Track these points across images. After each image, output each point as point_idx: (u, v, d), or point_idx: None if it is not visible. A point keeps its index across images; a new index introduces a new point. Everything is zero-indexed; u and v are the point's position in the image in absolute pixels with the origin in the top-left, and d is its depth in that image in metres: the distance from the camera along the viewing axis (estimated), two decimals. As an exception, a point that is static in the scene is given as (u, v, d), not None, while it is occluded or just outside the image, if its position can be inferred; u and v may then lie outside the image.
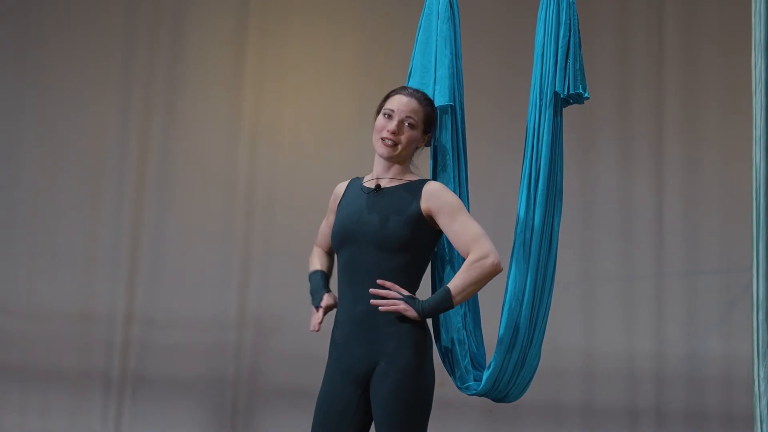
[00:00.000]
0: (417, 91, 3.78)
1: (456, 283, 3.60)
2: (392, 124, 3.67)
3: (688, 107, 6.56)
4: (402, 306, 3.57)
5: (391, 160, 3.71)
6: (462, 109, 3.95)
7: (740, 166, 6.28)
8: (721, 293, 6.38)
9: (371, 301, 3.57)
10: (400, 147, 3.68)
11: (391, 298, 3.59)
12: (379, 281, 3.58)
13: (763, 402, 3.64)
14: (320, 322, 3.69)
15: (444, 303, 3.60)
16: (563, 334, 5.88)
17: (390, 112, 3.69)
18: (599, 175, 6.41)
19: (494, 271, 3.61)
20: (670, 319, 6.39)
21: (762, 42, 3.72)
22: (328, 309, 3.73)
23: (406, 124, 3.68)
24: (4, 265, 6.40)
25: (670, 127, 6.55)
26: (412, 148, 3.74)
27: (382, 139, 3.67)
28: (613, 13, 6.52)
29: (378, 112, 3.71)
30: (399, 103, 3.70)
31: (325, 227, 3.91)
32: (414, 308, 3.57)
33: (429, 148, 3.92)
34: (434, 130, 3.83)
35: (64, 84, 6.53)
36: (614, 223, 6.43)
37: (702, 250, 6.44)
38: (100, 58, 6.53)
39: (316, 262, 3.89)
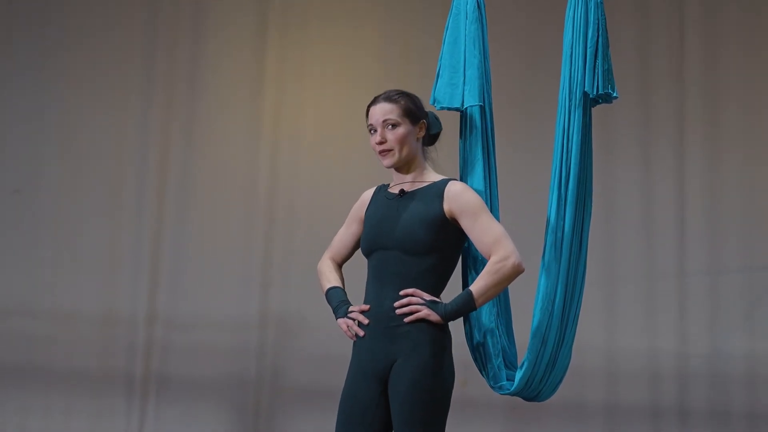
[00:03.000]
0: (388, 91, 3.79)
1: (478, 285, 3.60)
2: (377, 136, 3.67)
3: (710, 106, 6.52)
4: (425, 311, 3.57)
5: (399, 165, 3.72)
6: (491, 110, 3.93)
7: (762, 164, 6.35)
8: (744, 292, 6.35)
9: (397, 311, 3.57)
10: (395, 150, 3.68)
11: (413, 304, 3.58)
12: (402, 292, 3.58)
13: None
14: (359, 324, 3.66)
15: (466, 306, 3.61)
16: (586, 334, 5.75)
17: (371, 128, 3.71)
18: (620, 175, 6.38)
19: (515, 272, 3.60)
20: (692, 318, 6.35)
21: None
22: (362, 311, 3.66)
23: (388, 127, 3.68)
24: (28, 267, 6.41)
25: (692, 126, 6.50)
26: (410, 143, 3.72)
27: (379, 153, 3.69)
28: (634, 12, 6.49)
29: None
30: (373, 114, 3.72)
31: (344, 236, 3.90)
32: (437, 312, 3.57)
33: (458, 151, 3.92)
34: (426, 115, 3.80)
35: (84, 88, 6.54)
36: (636, 222, 6.41)
37: (724, 248, 6.39)
38: (121, 63, 6.54)
39: (331, 278, 3.87)
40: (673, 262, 6.38)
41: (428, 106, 3.90)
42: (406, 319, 3.56)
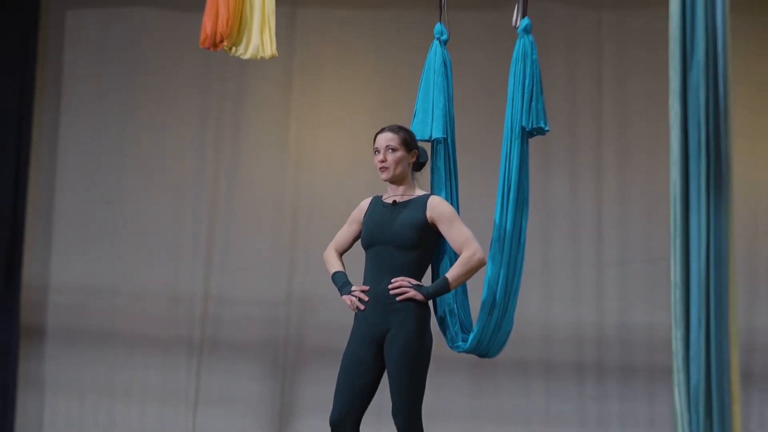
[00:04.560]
0: (392, 125, 3.81)
1: (452, 273, 3.66)
2: (380, 156, 3.72)
3: (621, 131, 6.47)
4: (412, 293, 3.62)
5: (393, 179, 3.75)
6: (453, 140, 3.99)
7: (661, 179, 6.01)
8: (646, 277, 6.31)
9: (391, 292, 3.61)
10: (391, 167, 3.72)
11: (405, 287, 3.62)
12: (393, 280, 3.62)
13: (679, 357, 3.66)
14: (360, 300, 3.69)
15: (443, 289, 3.68)
16: (528, 308, 5.73)
17: (376, 150, 3.75)
18: (555, 189, 6.35)
19: (480, 265, 3.68)
20: (607, 296, 6.35)
21: (677, 90, 3.72)
22: (363, 291, 3.70)
23: (389, 150, 3.71)
24: (115, 259, 6.39)
25: (608, 147, 6.45)
26: (403, 165, 3.75)
27: (379, 168, 3.74)
28: (563, 60, 6.40)
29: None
30: (379, 140, 3.75)
31: (345, 233, 3.91)
32: (421, 293, 3.63)
33: (429, 169, 3.96)
34: (418, 147, 3.82)
35: (158, 128, 6.51)
36: (566, 224, 6.39)
37: (632, 244, 6.39)
38: (186, 113, 6.50)
39: (336, 264, 3.87)
40: (593, 255, 6.36)
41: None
42: (398, 298, 3.62)
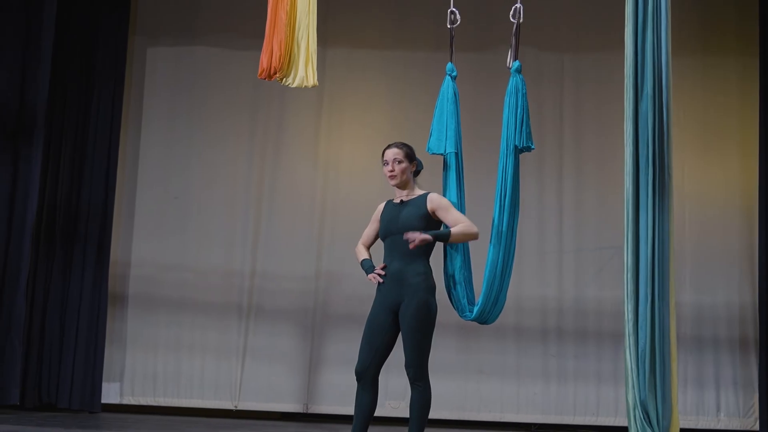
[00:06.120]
0: (397, 142, 3.81)
1: (455, 230, 3.63)
2: (388, 167, 3.73)
3: (578, 147, 6.42)
4: (421, 237, 3.56)
5: (399, 185, 3.76)
6: (461, 154, 3.97)
7: (608, 185, 6.20)
8: (595, 262, 6.30)
9: (407, 235, 3.55)
10: (398, 175, 3.73)
11: (415, 237, 3.57)
12: (405, 234, 3.57)
13: (630, 324, 3.67)
14: (381, 275, 3.69)
15: (445, 237, 3.62)
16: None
17: (385, 162, 3.76)
18: (526, 192, 6.09)
19: (475, 235, 3.65)
20: (566, 276, 6.33)
21: (630, 115, 3.77)
22: (382, 268, 3.72)
23: (396, 162, 3.72)
24: (183, 241, 6.36)
25: (567, 159, 6.41)
26: (407, 173, 3.75)
27: (388, 177, 3.75)
28: (533, 91, 6.00)
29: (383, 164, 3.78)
30: (387, 154, 3.76)
31: (369, 231, 3.90)
32: (428, 234, 3.57)
33: (442, 178, 3.92)
34: (416, 158, 3.81)
35: (218, 135, 6.47)
36: (534, 219, 6.32)
37: (585, 235, 6.36)
38: (239, 133, 6.45)
39: (363, 253, 3.87)
40: (555, 244, 6.33)
41: (423, 153, 3.95)
42: (413, 238, 3.54)
